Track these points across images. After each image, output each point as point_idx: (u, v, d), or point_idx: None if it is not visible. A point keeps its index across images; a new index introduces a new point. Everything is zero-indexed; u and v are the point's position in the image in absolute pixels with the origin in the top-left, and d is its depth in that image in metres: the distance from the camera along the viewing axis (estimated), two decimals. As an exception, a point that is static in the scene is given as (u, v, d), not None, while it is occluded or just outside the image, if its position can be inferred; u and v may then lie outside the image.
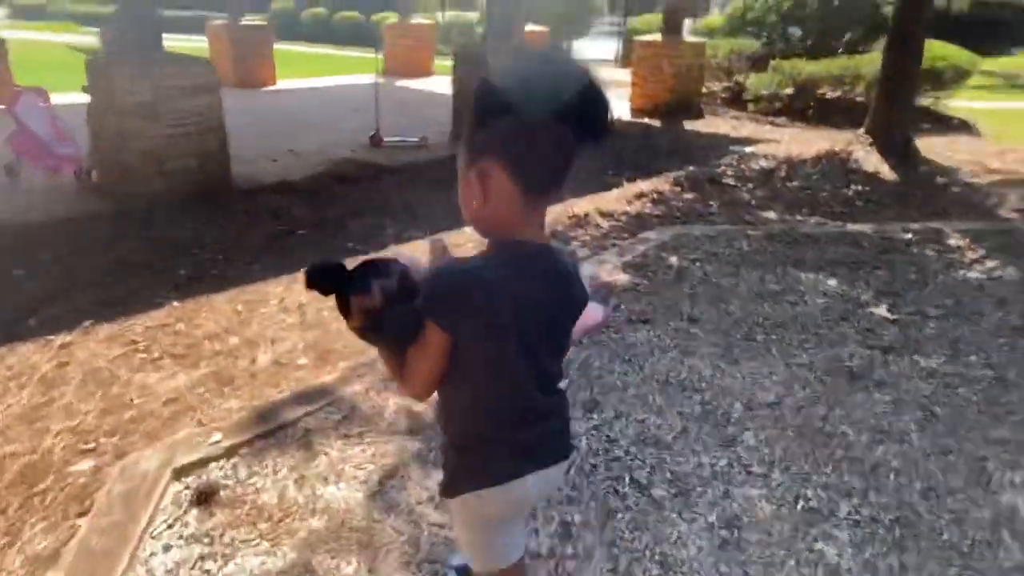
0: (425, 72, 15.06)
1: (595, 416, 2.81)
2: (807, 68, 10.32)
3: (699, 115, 10.67)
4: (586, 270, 4.19)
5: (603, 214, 5.78)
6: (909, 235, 4.97)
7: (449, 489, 1.37)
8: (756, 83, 10.70)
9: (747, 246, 4.72)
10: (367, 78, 14.63)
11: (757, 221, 5.57)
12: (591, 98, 1.12)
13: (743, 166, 7.54)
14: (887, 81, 7.50)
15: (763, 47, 11.07)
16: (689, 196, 6.42)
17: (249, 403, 2.95)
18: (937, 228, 5.18)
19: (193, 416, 2.88)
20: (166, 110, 5.70)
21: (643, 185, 6.71)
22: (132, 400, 2.98)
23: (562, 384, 1.38)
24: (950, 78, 10.20)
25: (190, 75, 5.82)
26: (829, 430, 2.77)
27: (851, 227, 5.22)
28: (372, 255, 1.32)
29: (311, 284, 1.21)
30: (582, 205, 5.97)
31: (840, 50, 11.28)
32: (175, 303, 3.97)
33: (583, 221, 5.55)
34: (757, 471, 2.50)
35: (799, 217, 5.66)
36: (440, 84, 13.94)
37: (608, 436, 2.68)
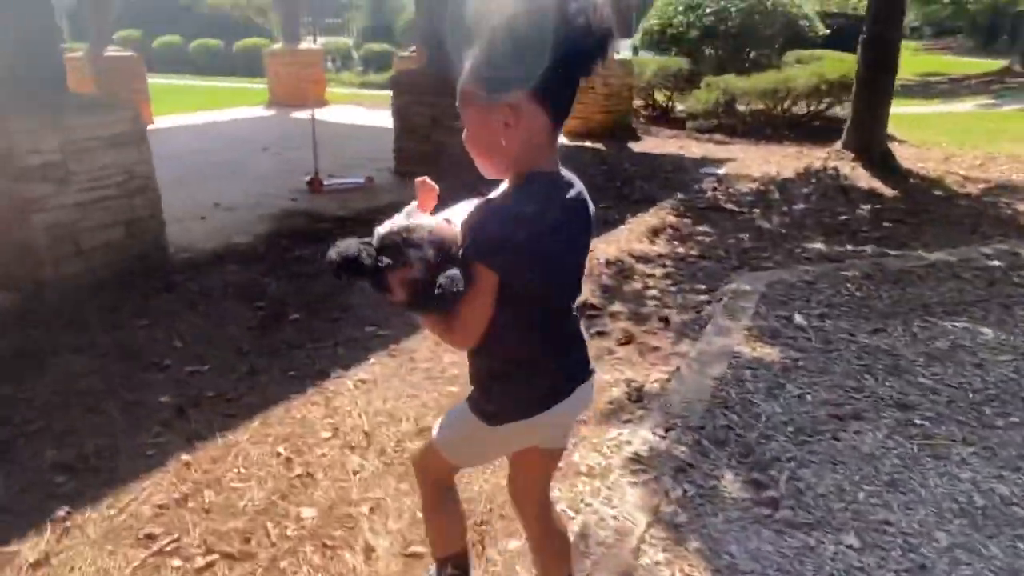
0: (319, 102, 13.70)
1: None
2: (740, 84, 10.12)
3: (635, 136, 10.21)
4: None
5: (636, 258, 5.00)
6: (995, 261, 4.54)
7: (497, 418, 1.37)
8: (693, 101, 10.38)
9: (855, 291, 4.08)
10: (253, 111, 13.17)
11: (812, 255, 4.98)
12: (604, 26, 1.15)
13: (730, 190, 7.05)
14: (863, 94, 7.28)
15: (690, 64, 10.80)
16: (704, 228, 5.79)
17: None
18: (1013, 250, 4.80)
19: None
20: (80, 169, 4.31)
21: (649, 219, 6.01)
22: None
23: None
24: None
25: (110, 122, 4.46)
26: None
27: (928, 255, 4.73)
28: (391, 226, 1.22)
29: (340, 277, 1.15)
30: (604, 249, 5.16)
31: (747, 64, 11.22)
32: (179, 458, 2.74)
33: (624, 270, 4.74)
34: None
35: (850, 247, 5.14)
36: (345, 114, 12.70)
37: None
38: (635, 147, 9.59)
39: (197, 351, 3.61)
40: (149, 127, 10.98)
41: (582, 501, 2.37)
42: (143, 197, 4.71)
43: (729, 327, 3.54)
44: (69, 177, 4.25)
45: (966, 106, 13.72)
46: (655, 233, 5.63)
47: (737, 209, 6.34)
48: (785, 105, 10.24)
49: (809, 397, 2.92)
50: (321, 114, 12.78)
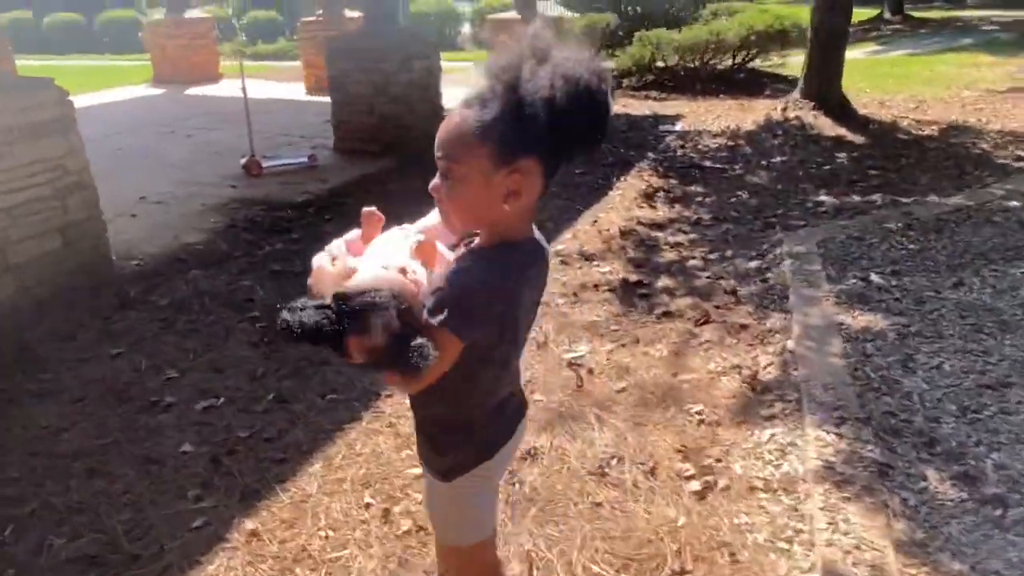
0: (212, 77, 12.44)
1: None
2: (673, 38, 9.89)
3: None
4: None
5: (648, 225, 4.65)
6: (1014, 202, 4.48)
7: (454, 472, 1.32)
8: (626, 57, 10.07)
9: (908, 243, 3.88)
10: (139, 90, 11.75)
11: (828, 208, 4.78)
12: (604, 93, 1.09)
13: (699, 146, 6.80)
14: (819, 42, 7.17)
15: (619, 20, 10.46)
16: (696, 188, 5.51)
17: None
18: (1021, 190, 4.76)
19: None
20: (2, 168, 3.45)
21: (634, 182, 5.67)
22: None
23: None
24: (796, 37, 10.39)
25: (35, 107, 3.59)
26: None
27: (946, 201, 4.62)
28: (352, 287, 1.07)
29: (297, 340, 1.05)
30: (608, 218, 4.78)
31: (668, 20, 11.04)
32: (241, 526, 2.14)
33: (644, 240, 4.37)
34: None
35: (856, 198, 4.97)
36: (251, 89, 11.52)
37: None
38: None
39: (200, 381, 2.95)
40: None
41: (791, 528, 1.98)
42: (79, 196, 3.87)
43: (814, 296, 3.23)
44: (-14, 177, 3.39)
45: (856, 53, 14.11)
46: (648, 197, 5.29)
47: (717, 166, 6.09)
48: (715, 58, 10.12)
49: (947, 367, 2.66)
50: (218, 89, 11.64)
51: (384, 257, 1.14)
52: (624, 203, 5.17)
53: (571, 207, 5.06)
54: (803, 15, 10.56)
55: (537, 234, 1.23)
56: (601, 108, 1.08)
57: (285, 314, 1.05)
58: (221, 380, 2.95)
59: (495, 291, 1.12)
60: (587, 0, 11.08)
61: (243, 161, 6.23)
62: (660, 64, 10.10)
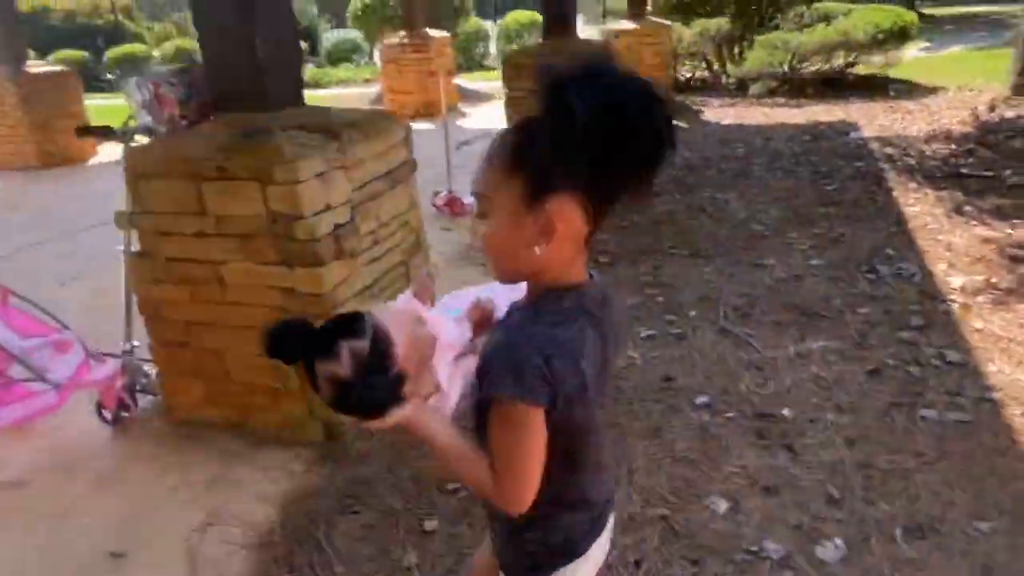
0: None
1: None
2: (801, 40, 9.28)
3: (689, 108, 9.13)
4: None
5: (1017, 245, 3.93)
6: None
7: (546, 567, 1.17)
8: (752, 62, 9.44)
9: None
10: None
11: None
12: (665, 114, 0.93)
13: (925, 152, 6.13)
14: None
15: (732, 24, 9.84)
16: (1003, 200, 4.80)
17: None
18: None
19: None
20: (364, 229, 2.61)
21: (915, 197, 4.97)
22: None
23: None
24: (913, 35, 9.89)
25: (393, 148, 2.76)
26: None
27: None
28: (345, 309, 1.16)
29: (272, 354, 1.03)
30: (955, 240, 4.06)
31: (776, 24, 10.46)
32: None
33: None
34: None
35: None
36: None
37: None
38: (712, 119, 8.50)
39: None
40: (93, 160, 8.69)
41: None
42: (418, 259, 3.04)
43: None
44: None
45: (914, 52, 13.58)
46: (960, 212, 4.59)
47: (981, 173, 5.41)
48: (845, 59, 9.51)
49: None
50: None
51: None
52: (943, 222, 4.45)
53: (861, 228, 4.36)
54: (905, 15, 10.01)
55: (596, 278, 1.08)
56: (656, 141, 0.92)
57: (275, 323, 1.03)
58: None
59: (558, 347, 0.97)
60: (687, 6, 10.42)
61: (440, 199, 5.40)
62: (784, 69, 9.47)
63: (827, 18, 10.22)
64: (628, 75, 0.92)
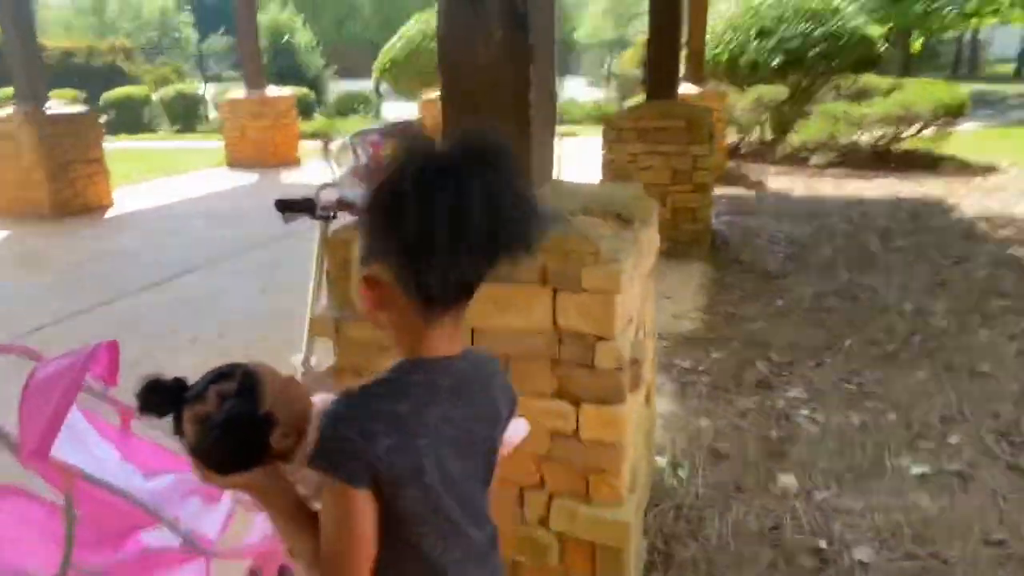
0: (291, 161, 10.86)
1: None
2: (862, 111, 8.98)
3: (741, 179, 8.69)
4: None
5: None
6: None
7: None
8: (812, 131, 9.09)
9: None
10: (223, 176, 9.99)
11: None
12: (515, 208, 0.91)
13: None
14: None
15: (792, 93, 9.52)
16: None
17: None
18: None
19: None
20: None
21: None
22: None
23: None
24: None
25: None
26: None
27: None
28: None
29: (143, 408, 1.01)
30: None
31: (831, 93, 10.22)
32: None
33: None
34: None
35: None
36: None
37: None
38: (777, 189, 8.07)
39: None
40: (112, 213, 7.89)
41: None
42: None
43: None
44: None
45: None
46: None
47: None
48: (904, 131, 9.22)
49: None
50: (309, 175, 10.04)
51: None
52: None
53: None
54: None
55: (476, 355, 1.02)
56: (480, 218, 0.87)
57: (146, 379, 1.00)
58: None
59: (372, 420, 0.90)
60: (742, 76, 10.07)
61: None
62: (843, 139, 9.14)
63: (866, 92, 10.02)
64: (473, 174, 0.88)
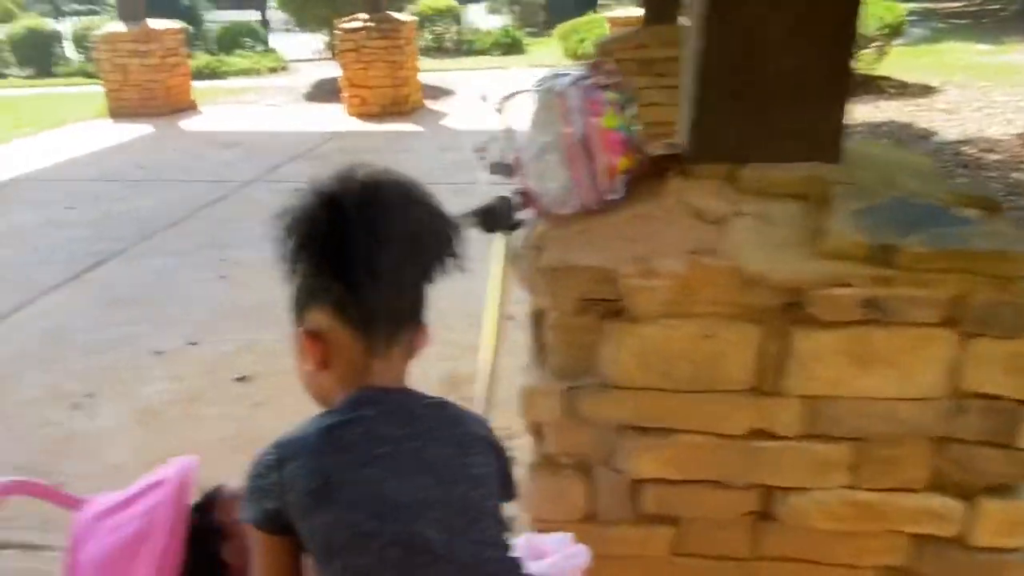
0: (187, 106, 9.43)
1: None
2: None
3: None
4: None
5: None
6: None
7: None
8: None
9: None
10: (100, 130, 8.50)
11: None
12: (432, 224, 0.89)
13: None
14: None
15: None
16: None
17: None
18: None
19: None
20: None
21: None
22: None
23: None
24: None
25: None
26: None
27: None
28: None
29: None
30: None
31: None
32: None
33: None
34: None
35: None
36: (276, 118, 8.72)
37: None
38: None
39: None
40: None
41: None
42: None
43: None
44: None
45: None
46: None
47: None
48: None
49: None
50: (210, 122, 8.77)
51: None
52: None
53: None
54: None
55: (424, 393, 0.94)
56: (404, 226, 0.86)
57: None
58: None
59: (276, 449, 0.86)
60: None
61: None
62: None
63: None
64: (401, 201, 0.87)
